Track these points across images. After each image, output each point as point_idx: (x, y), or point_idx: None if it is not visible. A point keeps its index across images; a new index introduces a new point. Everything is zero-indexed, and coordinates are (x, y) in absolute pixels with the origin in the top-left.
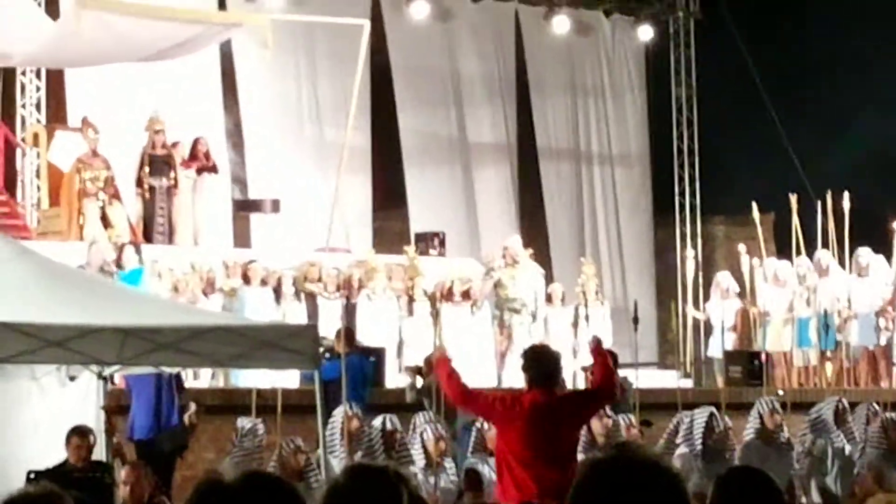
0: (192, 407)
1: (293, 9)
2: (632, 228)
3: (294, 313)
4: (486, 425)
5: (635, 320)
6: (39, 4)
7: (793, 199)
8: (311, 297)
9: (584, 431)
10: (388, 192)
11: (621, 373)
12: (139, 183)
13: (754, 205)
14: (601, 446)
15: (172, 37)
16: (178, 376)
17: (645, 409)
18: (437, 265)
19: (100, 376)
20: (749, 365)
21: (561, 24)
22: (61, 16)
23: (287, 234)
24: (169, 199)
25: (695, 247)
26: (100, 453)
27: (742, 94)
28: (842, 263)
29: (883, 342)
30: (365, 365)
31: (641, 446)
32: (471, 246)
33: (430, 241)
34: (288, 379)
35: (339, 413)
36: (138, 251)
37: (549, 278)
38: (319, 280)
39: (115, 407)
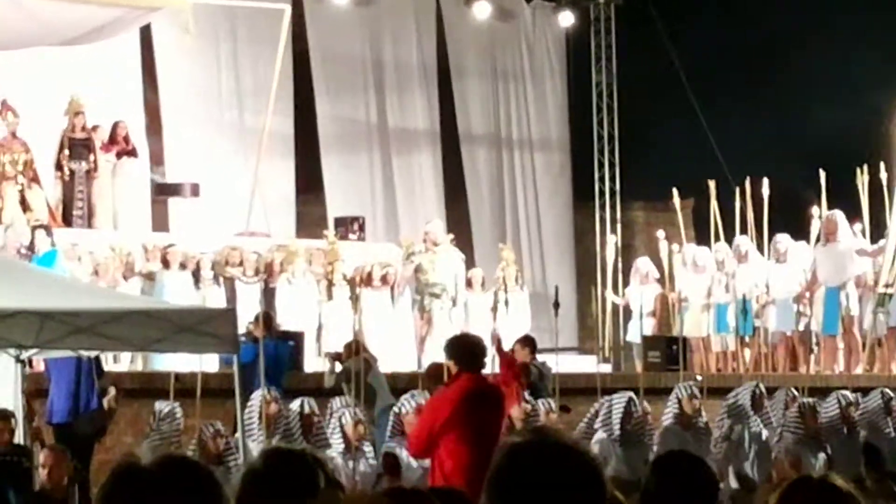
0: (112, 391)
1: None
2: (552, 214)
3: (213, 297)
4: (403, 409)
5: (556, 305)
6: None
7: (711, 184)
8: (231, 282)
9: None
10: (310, 178)
11: (540, 357)
12: (58, 166)
13: (675, 191)
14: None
15: (91, 19)
16: (97, 360)
17: (564, 394)
18: (357, 250)
19: (18, 360)
20: (667, 350)
21: (482, 9)
22: None
23: (207, 219)
24: (88, 183)
25: (615, 232)
26: (19, 437)
27: (663, 80)
28: (760, 249)
29: (801, 328)
30: (282, 349)
31: (558, 430)
32: (391, 231)
33: (349, 226)
34: (207, 362)
35: (256, 397)
36: (50, 234)
37: (471, 263)
38: (240, 264)
39: (34, 390)
